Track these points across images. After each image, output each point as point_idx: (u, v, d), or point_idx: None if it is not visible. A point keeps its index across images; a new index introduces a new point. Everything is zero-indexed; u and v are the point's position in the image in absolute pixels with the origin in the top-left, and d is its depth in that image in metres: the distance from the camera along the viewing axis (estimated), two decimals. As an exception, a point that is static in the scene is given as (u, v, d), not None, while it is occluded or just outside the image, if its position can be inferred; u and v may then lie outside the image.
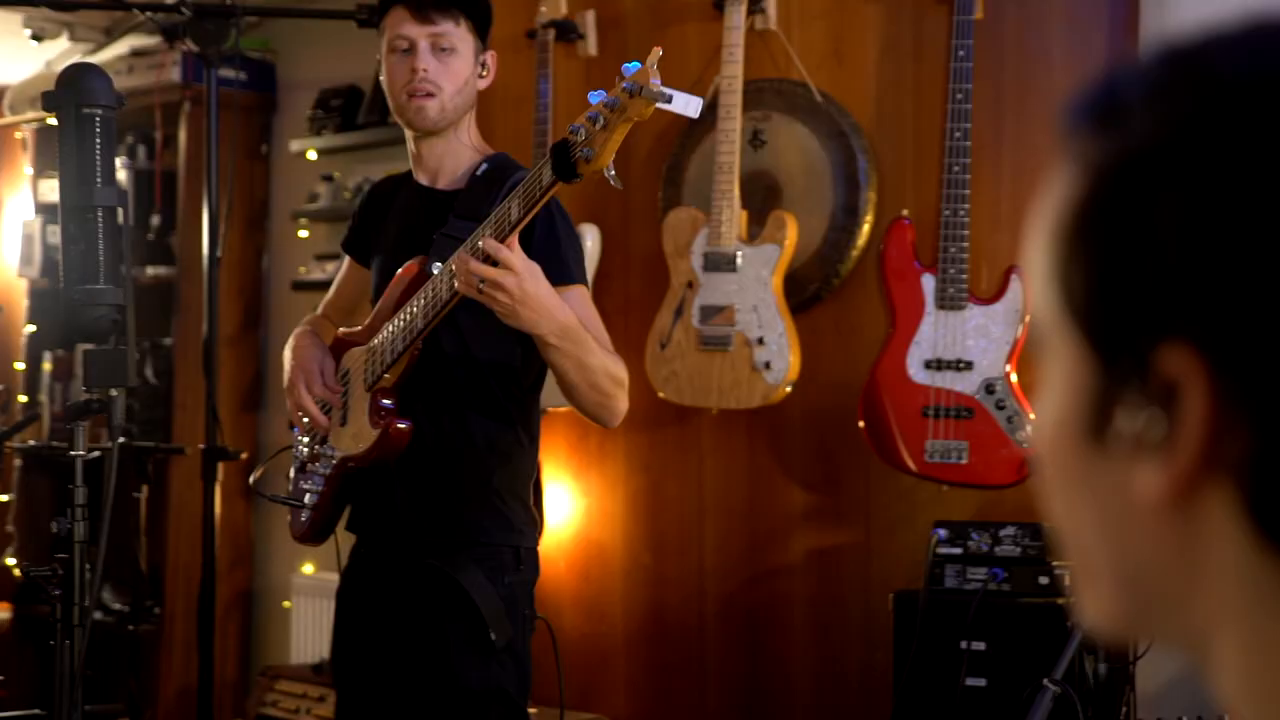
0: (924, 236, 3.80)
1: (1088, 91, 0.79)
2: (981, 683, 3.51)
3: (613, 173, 2.43)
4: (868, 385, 3.81)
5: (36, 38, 5.60)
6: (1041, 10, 3.84)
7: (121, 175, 5.76)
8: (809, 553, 4.17)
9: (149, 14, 4.32)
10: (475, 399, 2.87)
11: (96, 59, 5.82)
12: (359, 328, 2.98)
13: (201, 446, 4.14)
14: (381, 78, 3.00)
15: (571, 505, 4.63)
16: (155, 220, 5.72)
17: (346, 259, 3.20)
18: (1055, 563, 3.52)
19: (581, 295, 2.84)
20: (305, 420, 2.98)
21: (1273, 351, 0.69)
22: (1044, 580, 3.52)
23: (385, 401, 2.86)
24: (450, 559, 2.84)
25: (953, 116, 3.67)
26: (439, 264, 2.75)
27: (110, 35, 5.74)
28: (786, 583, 4.21)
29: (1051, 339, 0.79)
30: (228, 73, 5.47)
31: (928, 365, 3.74)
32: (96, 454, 2.64)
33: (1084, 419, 0.76)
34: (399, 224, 3.01)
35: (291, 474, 3.10)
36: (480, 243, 2.57)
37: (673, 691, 4.43)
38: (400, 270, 2.87)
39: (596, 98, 2.43)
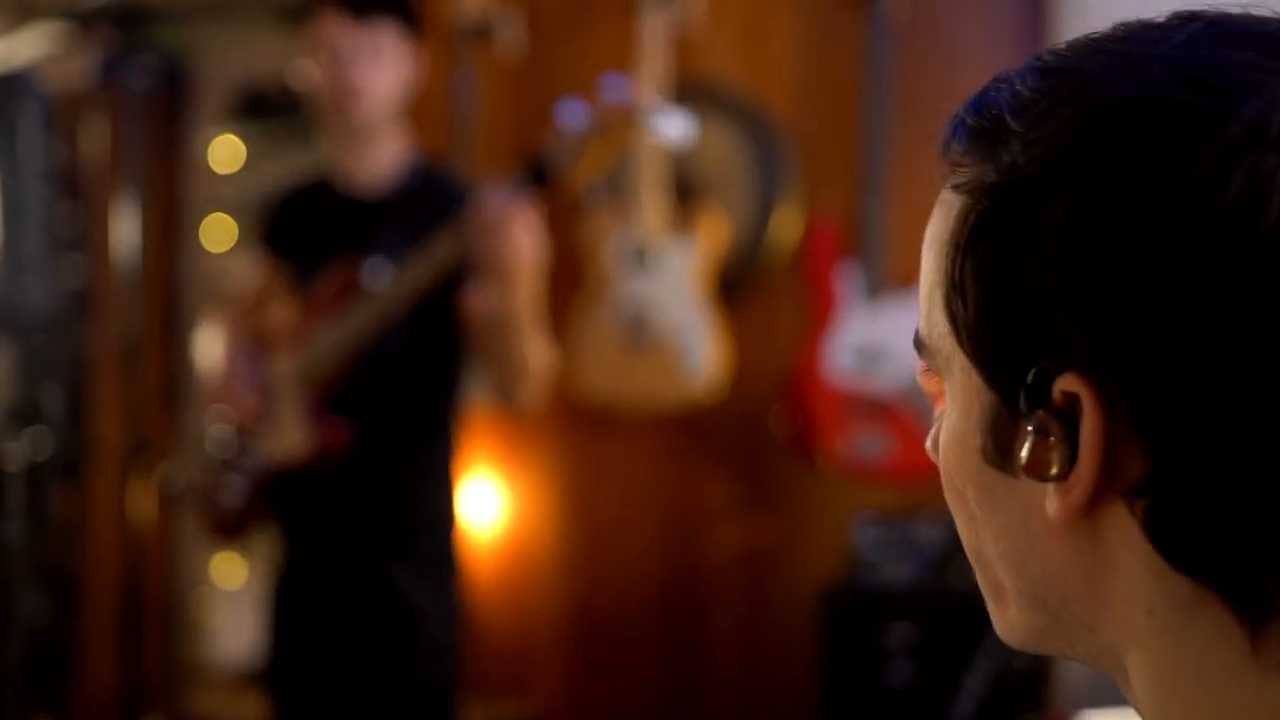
0: (845, 230, 3.84)
1: (965, 109, 0.78)
2: (905, 677, 3.54)
3: (592, 190, 2.44)
4: (790, 380, 3.85)
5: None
6: (960, 11, 3.89)
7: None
8: (735, 548, 4.19)
9: (63, 12, 4.25)
10: (403, 402, 2.88)
11: (10, 53, 5.74)
12: (287, 327, 2.96)
13: (120, 445, 4.10)
14: (308, 77, 2.97)
15: (499, 503, 4.63)
16: (69, 217, 5.65)
17: (261, 255, 3.17)
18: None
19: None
20: (232, 418, 2.97)
21: (1161, 375, 0.68)
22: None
23: (319, 405, 2.85)
24: (385, 560, 2.85)
25: (872, 108, 3.71)
26: (377, 273, 2.75)
27: (23, 28, 5.64)
28: (713, 580, 4.23)
29: (947, 362, 0.78)
30: (142, 70, 5.43)
31: (849, 358, 3.77)
32: (20, 456, 2.61)
33: (982, 442, 0.76)
34: (318, 228, 2.99)
35: (213, 471, 3.08)
36: (497, 199, 2.60)
37: (601, 685, 4.44)
38: (332, 275, 2.86)
39: (573, 109, 2.42)
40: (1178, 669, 0.72)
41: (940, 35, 3.91)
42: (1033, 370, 0.71)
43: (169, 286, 5.68)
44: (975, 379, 0.75)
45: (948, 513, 0.79)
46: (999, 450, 0.75)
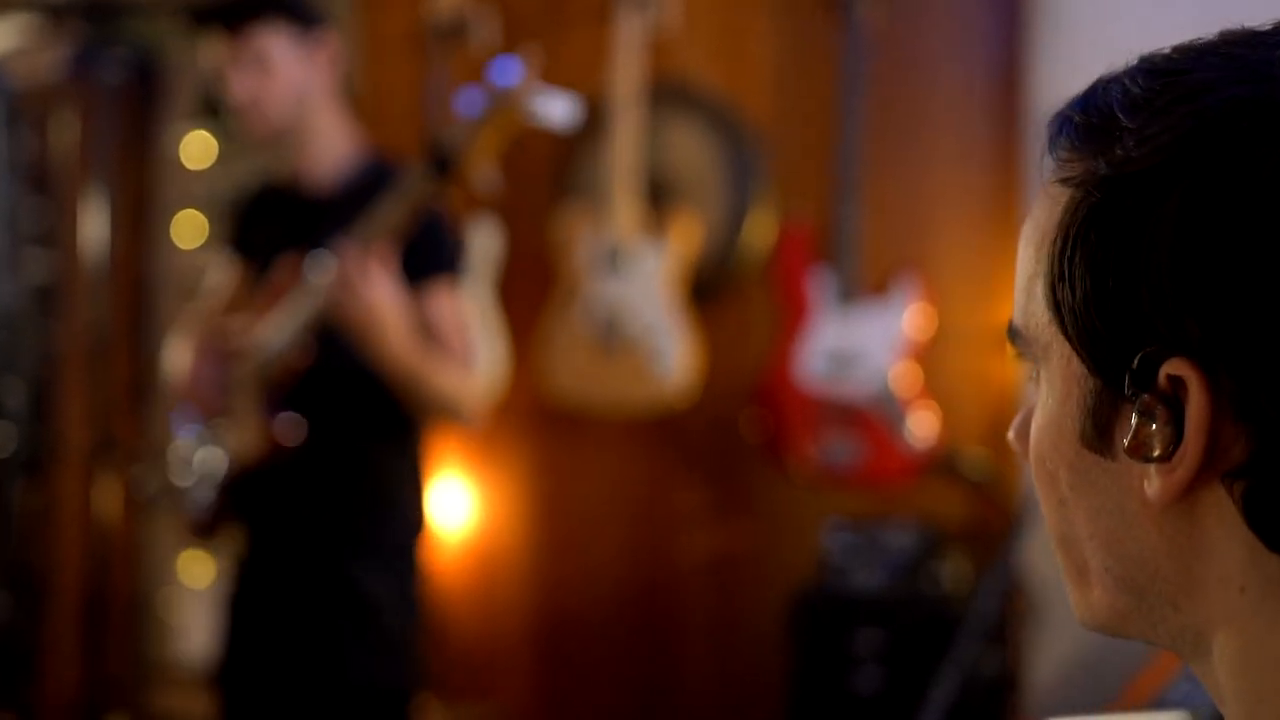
0: (817, 235, 3.83)
1: (1070, 107, 0.81)
2: (872, 683, 3.55)
3: (488, 177, 2.43)
4: (760, 385, 3.84)
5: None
6: (930, 13, 3.89)
7: (5, 166, 5.65)
8: (705, 553, 4.19)
9: (29, 4, 4.22)
10: (361, 399, 2.87)
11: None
12: (243, 325, 2.95)
13: (86, 444, 4.08)
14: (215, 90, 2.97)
15: (469, 504, 4.61)
16: (38, 212, 5.61)
17: (226, 258, 3.16)
18: (946, 559, 3.57)
19: (445, 291, 2.84)
20: (199, 419, 2.97)
21: (1269, 363, 0.72)
22: (938, 577, 3.57)
23: (272, 405, 2.85)
24: (344, 557, 2.85)
25: (846, 113, 3.71)
26: (318, 265, 2.74)
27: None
28: (684, 583, 4.22)
29: (1042, 347, 0.81)
30: (109, 64, 5.39)
31: (820, 364, 3.77)
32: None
33: (1082, 426, 0.79)
34: (273, 229, 2.99)
35: (181, 472, 3.07)
36: (348, 259, 2.58)
37: (572, 690, 4.43)
38: (279, 271, 2.85)
39: (469, 97, 2.42)
40: (1266, 648, 0.75)
41: (914, 42, 3.91)
42: (1140, 355, 0.75)
43: (139, 283, 5.64)
44: (1076, 365, 0.79)
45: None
46: (1098, 433, 0.78)
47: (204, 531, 3.03)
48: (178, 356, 3.02)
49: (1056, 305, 0.79)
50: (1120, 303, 0.75)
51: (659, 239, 4.00)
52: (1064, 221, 0.78)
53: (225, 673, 3.02)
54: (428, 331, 2.76)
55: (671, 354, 3.96)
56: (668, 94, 4.14)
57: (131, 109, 5.51)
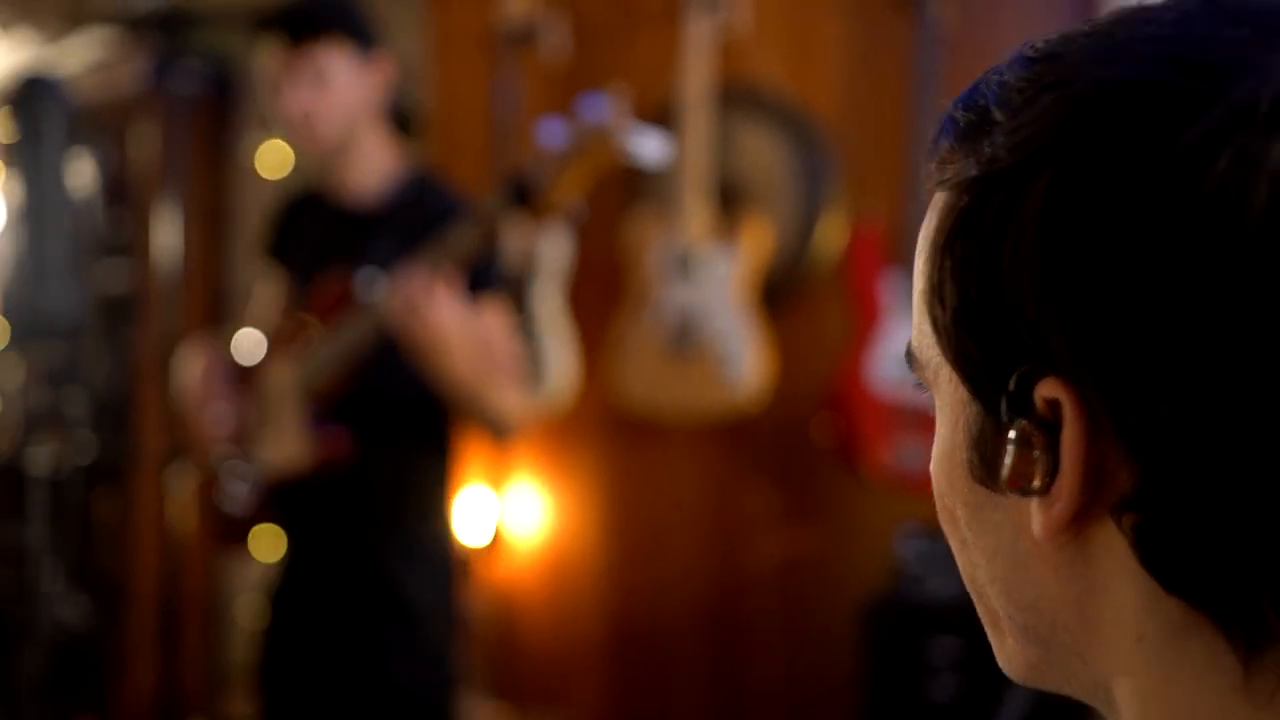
0: (889, 238, 3.79)
1: (955, 104, 0.73)
2: (948, 691, 3.50)
3: (575, 210, 2.40)
4: (834, 389, 3.80)
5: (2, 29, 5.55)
6: (1009, 18, 3.84)
7: (86, 178, 5.71)
8: (778, 559, 4.15)
9: (108, 18, 4.26)
10: (403, 410, 2.88)
11: (60, 62, 5.77)
12: (284, 337, 2.96)
13: (160, 451, 4.11)
14: (265, 101, 2.97)
15: (540, 512, 4.60)
16: (118, 223, 5.67)
17: (269, 266, 3.17)
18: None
19: (500, 306, 2.84)
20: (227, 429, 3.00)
21: (1144, 374, 0.63)
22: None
23: (318, 416, 2.85)
24: (386, 562, 2.86)
25: (918, 114, 3.66)
26: (370, 284, 2.74)
27: (73, 37, 5.68)
28: (755, 591, 4.19)
29: (935, 374, 0.74)
30: (188, 74, 5.44)
31: (894, 368, 3.72)
32: (52, 464, 2.61)
33: (968, 457, 0.71)
34: (313, 240, 2.99)
35: (219, 479, 3.09)
36: (409, 284, 2.57)
37: (644, 697, 4.41)
38: (325, 285, 2.85)
39: (553, 130, 2.39)
40: (1166, 702, 0.67)
41: (989, 40, 3.85)
42: (1013, 376, 0.66)
43: (214, 291, 5.69)
44: (960, 390, 0.71)
45: None
46: (985, 465, 0.70)
47: (234, 537, 3.06)
48: (189, 376, 3.04)
49: (934, 323, 0.71)
50: (989, 317, 0.67)
51: (730, 243, 3.97)
52: (939, 229, 0.71)
53: (267, 673, 3.04)
54: (483, 345, 2.75)
55: (743, 359, 3.93)
56: (738, 97, 4.11)
57: (208, 119, 5.56)
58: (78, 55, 5.71)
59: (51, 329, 2.25)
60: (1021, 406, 0.67)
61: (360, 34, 2.86)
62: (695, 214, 3.97)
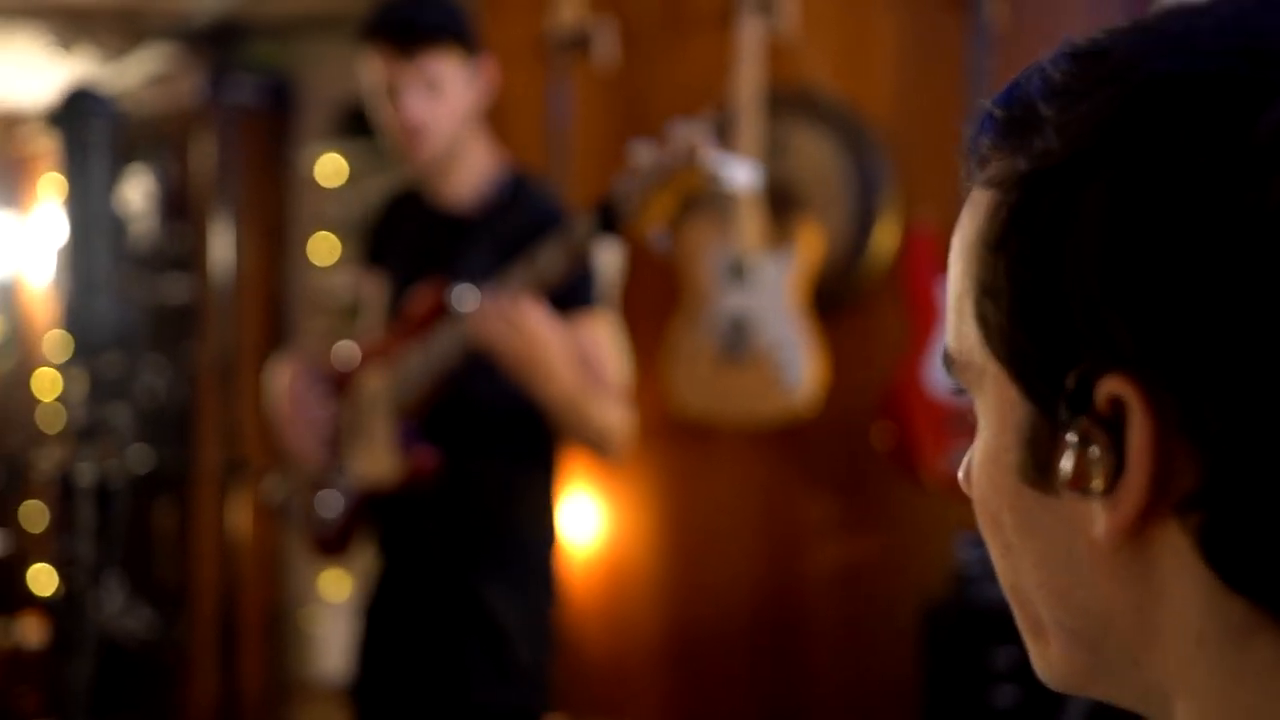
0: (944, 242, 3.74)
1: (993, 102, 0.73)
2: (1010, 697, 3.45)
3: (661, 235, 2.38)
4: (889, 394, 3.76)
5: (60, 56, 5.61)
6: (1063, 13, 3.79)
7: (145, 191, 5.77)
8: (835, 565, 4.12)
9: (164, 31, 4.29)
10: (499, 424, 2.85)
11: (119, 76, 5.83)
12: (377, 347, 2.94)
13: (218, 462, 4.12)
14: (374, 112, 2.92)
15: (598, 519, 4.60)
16: (177, 236, 5.72)
17: (369, 275, 3.15)
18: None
19: (597, 323, 2.81)
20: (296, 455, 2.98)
21: (1215, 369, 0.62)
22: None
23: (411, 430, 2.82)
24: (476, 579, 2.82)
25: (971, 120, 3.62)
26: (461, 293, 2.71)
27: (132, 52, 5.74)
28: (812, 596, 4.16)
29: (979, 377, 0.72)
30: (245, 88, 5.48)
31: (950, 373, 3.68)
32: (112, 476, 2.63)
33: (1020, 459, 0.70)
34: (411, 243, 2.96)
35: (307, 490, 3.08)
36: (500, 299, 2.54)
37: (701, 705, 4.39)
38: (419, 296, 2.82)
39: (642, 153, 2.36)
40: (1228, 704, 0.65)
41: (1041, 39, 3.80)
42: (1073, 373, 0.65)
43: (274, 302, 5.72)
44: (1010, 391, 0.70)
45: None
46: (1038, 467, 0.69)
47: (331, 548, 3.03)
48: (277, 389, 3.02)
49: (983, 322, 0.70)
50: (1048, 314, 0.66)
51: (784, 248, 3.94)
52: (986, 228, 0.70)
53: (360, 688, 3.03)
54: (580, 362, 2.72)
55: (798, 364, 3.90)
56: (790, 100, 4.09)
57: (266, 131, 5.61)
58: (136, 70, 5.77)
59: (102, 343, 2.26)
60: (1082, 404, 0.66)
61: (467, 40, 2.84)
62: (749, 220, 3.95)
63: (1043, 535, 0.70)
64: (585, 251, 2.51)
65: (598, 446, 2.79)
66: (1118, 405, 0.64)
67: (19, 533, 4.49)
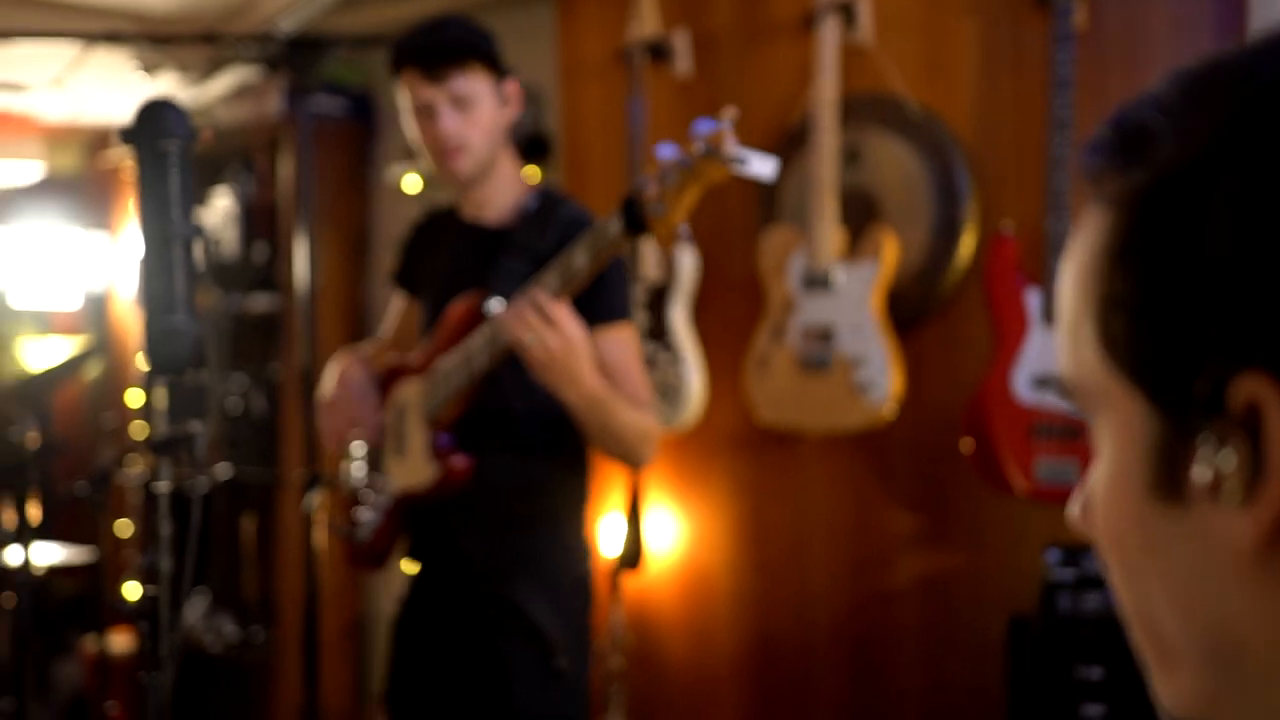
0: (1027, 250, 3.70)
1: (1104, 126, 0.73)
2: (1099, 711, 3.40)
3: (684, 231, 2.40)
4: (972, 404, 3.72)
5: (145, 72, 5.65)
6: (1146, 16, 3.72)
7: (227, 206, 5.82)
8: (918, 577, 4.08)
9: (243, 47, 4.32)
10: (533, 432, 2.87)
11: (202, 92, 5.89)
12: (412, 357, 2.98)
13: (301, 475, 4.14)
14: (409, 131, 2.97)
15: (676, 531, 4.58)
16: (260, 250, 5.77)
17: (398, 291, 3.20)
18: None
19: (625, 334, 2.84)
20: (353, 448, 3.01)
21: None
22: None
23: (444, 437, 2.85)
24: (514, 587, 2.84)
25: (1054, 126, 3.57)
26: (496, 302, 2.74)
27: (215, 69, 5.79)
28: (895, 608, 4.12)
29: (1096, 395, 0.71)
30: (326, 102, 5.52)
31: (1035, 383, 3.63)
32: (196, 489, 2.64)
33: (1148, 474, 0.68)
34: (448, 259, 3.02)
35: (346, 502, 3.11)
36: (537, 298, 2.56)
37: (781, 716, 4.36)
38: (456, 304, 2.86)
39: (668, 152, 2.38)
40: None
41: (1125, 44, 3.75)
42: (1206, 376, 0.64)
43: (356, 315, 5.75)
44: (1135, 406, 0.69)
45: None
46: (1168, 481, 0.67)
47: (368, 561, 3.06)
48: (326, 388, 3.08)
49: (1108, 339, 0.69)
50: (1179, 318, 0.65)
51: (866, 258, 3.91)
52: (1106, 244, 0.70)
53: (395, 696, 3.04)
54: (607, 373, 2.74)
55: (881, 374, 3.87)
56: (869, 108, 4.06)
57: (348, 145, 5.64)
58: (218, 88, 5.82)
59: (179, 359, 2.27)
60: (1215, 408, 0.64)
61: (495, 61, 2.92)
62: (830, 229, 3.92)
63: (1174, 552, 0.68)
64: (611, 252, 2.53)
65: (625, 454, 2.82)
66: (1253, 407, 0.63)
67: (108, 545, 4.54)
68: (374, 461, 3.04)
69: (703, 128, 2.34)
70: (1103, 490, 0.72)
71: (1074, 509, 0.76)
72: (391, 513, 2.98)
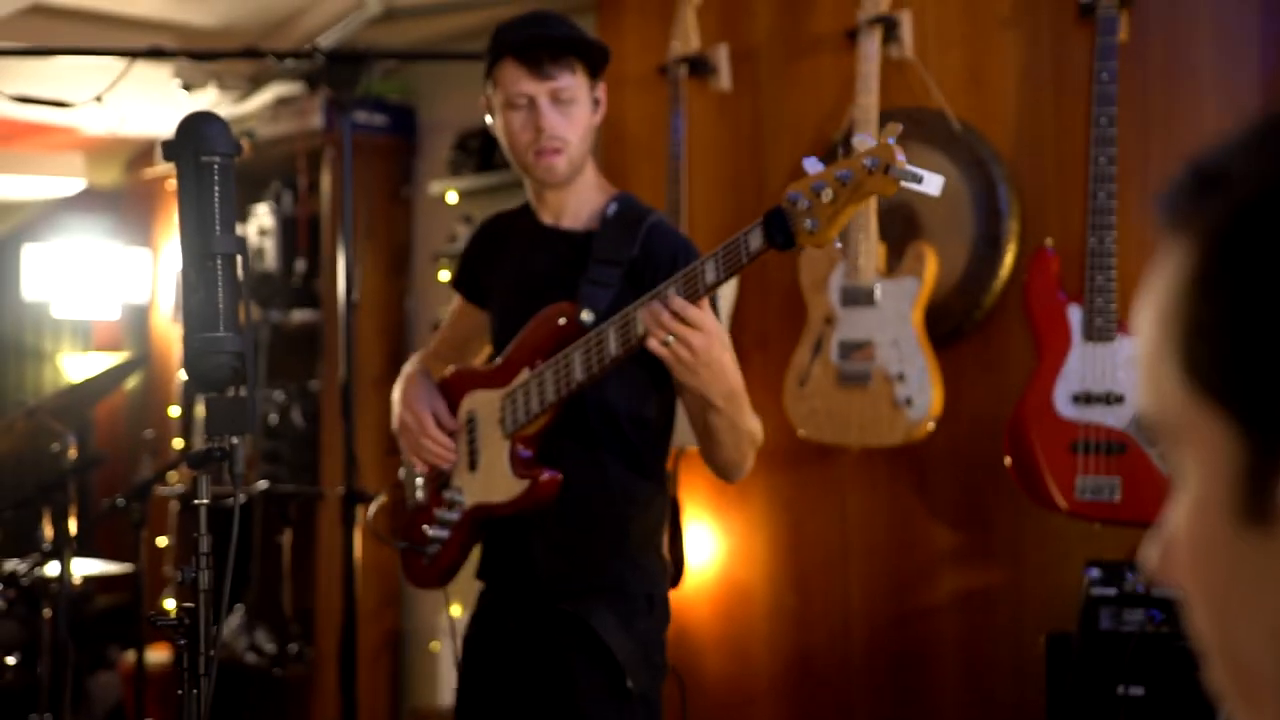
0: (1069, 266, 3.68)
1: (1176, 177, 0.74)
2: (1142, 724, 3.37)
3: (840, 244, 2.34)
4: (1013, 420, 3.69)
5: (186, 88, 5.69)
6: (1189, 29, 3.70)
7: (268, 220, 5.84)
8: (957, 593, 4.06)
9: (286, 62, 4.34)
10: (612, 447, 2.82)
11: (243, 108, 5.91)
12: (485, 367, 2.92)
13: (340, 490, 4.14)
14: (497, 130, 2.90)
15: (714, 546, 4.57)
16: (301, 265, 5.78)
17: (457, 297, 3.15)
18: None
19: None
20: (425, 463, 2.96)
21: None
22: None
23: (527, 452, 2.80)
24: (585, 605, 2.79)
25: (1096, 142, 3.54)
26: (590, 312, 2.69)
27: (256, 84, 5.82)
28: (934, 624, 4.10)
29: (1177, 428, 0.72)
30: (367, 117, 5.53)
31: (1076, 399, 3.61)
32: (224, 501, 2.64)
33: (1236, 500, 0.68)
34: (519, 263, 2.95)
35: (408, 517, 3.06)
36: (672, 300, 2.50)
37: (820, 734, 4.34)
38: (543, 314, 2.80)
39: (817, 167, 2.33)
40: None
41: (1166, 60, 3.72)
42: None
43: (397, 330, 5.76)
44: (1222, 431, 0.69)
45: None
46: (1259, 503, 0.68)
47: (434, 580, 3.02)
48: (398, 401, 3.02)
49: (1193, 366, 0.70)
50: (1265, 337, 0.67)
51: (906, 274, 3.89)
52: (1188, 276, 0.71)
53: (466, 712, 3.00)
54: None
55: (921, 389, 3.85)
56: (911, 123, 4.04)
57: (387, 161, 5.65)
58: (259, 101, 5.84)
59: (220, 373, 2.26)
60: None
61: (594, 62, 2.86)
62: (871, 244, 3.91)
63: (1266, 578, 0.68)
64: (748, 259, 2.46)
65: (739, 460, 2.74)
66: None
67: (148, 558, 4.56)
68: (439, 476, 2.98)
69: (864, 141, 2.30)
70: (1186, 525, 0.72)
71: (1151, 556, 0.75)
72: (462, 528, 2.93)
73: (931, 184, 2.26)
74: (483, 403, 2.88)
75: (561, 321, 2.75)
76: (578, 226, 2.89)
